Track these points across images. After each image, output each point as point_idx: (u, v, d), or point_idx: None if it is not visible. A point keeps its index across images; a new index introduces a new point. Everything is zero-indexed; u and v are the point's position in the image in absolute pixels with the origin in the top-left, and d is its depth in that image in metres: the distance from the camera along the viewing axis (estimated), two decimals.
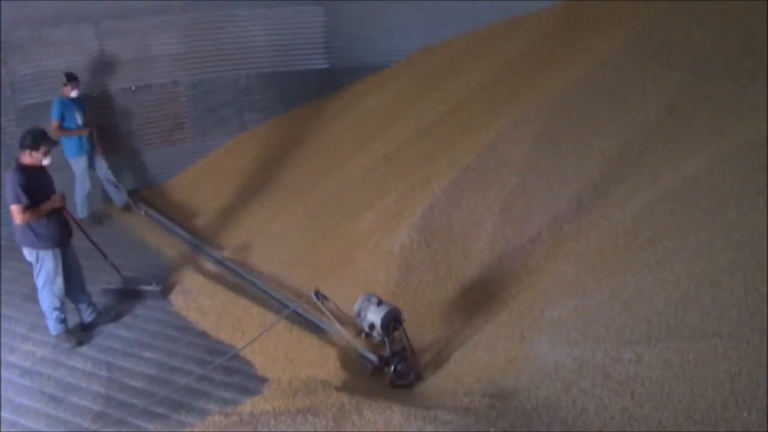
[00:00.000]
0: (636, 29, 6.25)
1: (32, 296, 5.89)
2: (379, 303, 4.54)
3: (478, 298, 4.90)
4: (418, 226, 5.37)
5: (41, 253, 5.04)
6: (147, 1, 7.49)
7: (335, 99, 8.18)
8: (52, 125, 6.69)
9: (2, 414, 4.58)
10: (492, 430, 3.32)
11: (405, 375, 4.54)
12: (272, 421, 3.94)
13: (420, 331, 4.84)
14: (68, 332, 5.29)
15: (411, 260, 5.22)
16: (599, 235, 4.75)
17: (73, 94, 6.86)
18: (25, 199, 4.82)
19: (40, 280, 5.12)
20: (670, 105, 5.38)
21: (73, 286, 5.30)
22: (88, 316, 5.47)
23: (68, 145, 6.89)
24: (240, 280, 6.05)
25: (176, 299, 5.83)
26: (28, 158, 4.92)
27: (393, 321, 4.49)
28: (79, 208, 7.08)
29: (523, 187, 5.32)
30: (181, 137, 8.07)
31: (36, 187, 4.91)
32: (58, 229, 5.06)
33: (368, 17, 8.05)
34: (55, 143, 5.17)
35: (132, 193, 7.67)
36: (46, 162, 4.98)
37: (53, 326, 5.25)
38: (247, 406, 4.45)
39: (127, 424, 4.44)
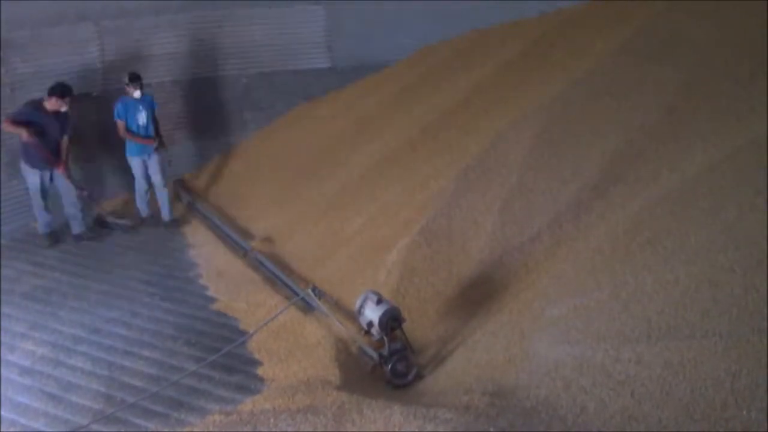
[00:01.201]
0: (636, 29, 6.26)
1: (32, 295, 5.92)
2: (379, 301, 4.54)
3: (478, 297, 4.90)
4: (418, 226, 5.37)
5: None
6: (147, 1, 7.49)
7: (336, 98, 8.18)
8: (118, 126, 6.82)
9: (2, 413, 4.57)
10: (492, 428, 3.32)
11: (403, 374, 4.54)
12: (272, 420, 3.94)
13: (420, 330, 4.84)
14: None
15: (411, 260, 5.22)
16: (599, 234, 4.75)
17: (136, 94, 6.78)
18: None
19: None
20: (670, 105, 5.38)
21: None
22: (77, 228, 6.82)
23: (129, 145, 6.91)
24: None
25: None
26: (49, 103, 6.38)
27: (391, 320, 4.49)
28: (139, 206, 7.16)
29: (523, 187, 5.32)
30: (180, 137, 8.07)
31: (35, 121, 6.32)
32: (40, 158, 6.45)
33: (369, 16, 8.05)
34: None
35: (177, 183, 7.64)
36: (63, 108, 6.41)
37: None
38: (247, 404, 4.45)
39: (126, 423, 4.45)
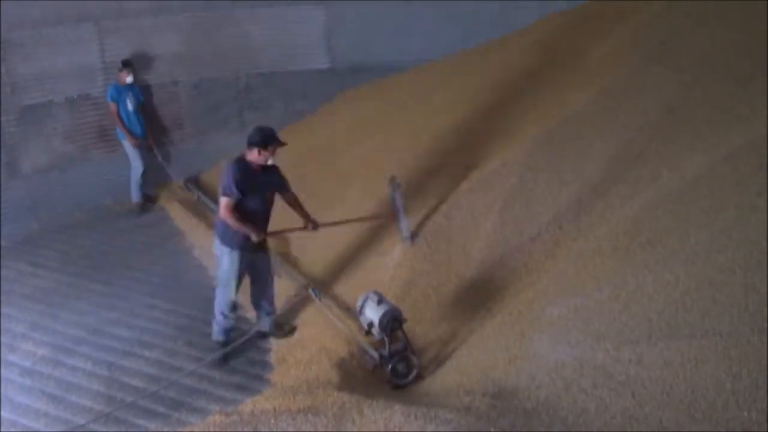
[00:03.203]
0: (636, 29, 6.26)
1: (32, 296, 5.92)
2: (380, 302, 4.54)
3: (479, 297, 4.90)
4: (418, 226, 5.37)
5: (226, 249, 4.79)
6: (147, 1, 7.49)
7: (337, 101, 8.19)
8: (109, 108, 7.05)
9: (2, 413, 4.58)
10: (492, 429, 3.32)
11: (404, 375, 4.54)
12: (273, 421, 3.94)
13: (420, 330, 4.84)
14: (224, 344, 5.02)
15: (411, 260, 5.22)
16: (599, 234, 4.75)
17: (129, 80, 7.06)
18: (235, 194, 4.55)
19: (220, 279, 4.94)
20: (670, 105, 5.38)
21: (256, 291, 5.12)
22: (263, 326, 5.22)
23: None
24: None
25: None
26: (253, 156, 4.65)
27: (391, 320, 4.49)
28: (132, 190, 7.29)
29: (523, 187, 5.32)
30: (180, 137, 8.06)
31: (249, 186, 4.62)
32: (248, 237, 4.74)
33: (369, 18, 8.04)
34: (283, 144, 4.78)
35: (188, 181, 7.78)
36: (270, 162, 4.71)
37: (216, 331, 5.05)
38: (248, 405, 4.45)
39: (127, 423, 4.45)
